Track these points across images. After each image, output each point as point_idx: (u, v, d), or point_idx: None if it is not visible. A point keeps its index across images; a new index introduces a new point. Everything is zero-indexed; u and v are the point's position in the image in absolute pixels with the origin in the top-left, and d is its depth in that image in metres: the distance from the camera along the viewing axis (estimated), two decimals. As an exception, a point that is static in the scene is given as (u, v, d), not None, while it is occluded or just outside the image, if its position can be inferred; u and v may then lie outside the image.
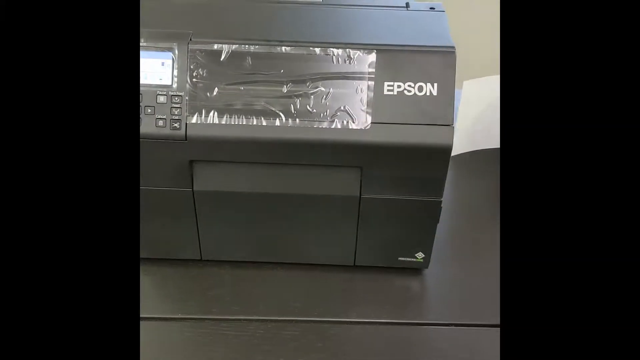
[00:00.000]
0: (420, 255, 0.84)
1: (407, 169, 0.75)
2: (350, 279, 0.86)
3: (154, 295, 0.83)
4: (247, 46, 0.72)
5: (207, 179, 0.77)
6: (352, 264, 0.86)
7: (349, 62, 0.72)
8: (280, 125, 0.72)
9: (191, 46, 0.72)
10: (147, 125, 0.72)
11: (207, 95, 0.72)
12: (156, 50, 0.72)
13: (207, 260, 0.87)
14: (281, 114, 0.72)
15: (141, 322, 0.79)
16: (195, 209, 0.80)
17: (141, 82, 0.72)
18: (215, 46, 0.72)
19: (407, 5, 0.84)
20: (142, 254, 0.86)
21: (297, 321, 0.80)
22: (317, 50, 0.72)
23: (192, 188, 0.77)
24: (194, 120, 0.72)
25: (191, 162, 0.75)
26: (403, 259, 0.85)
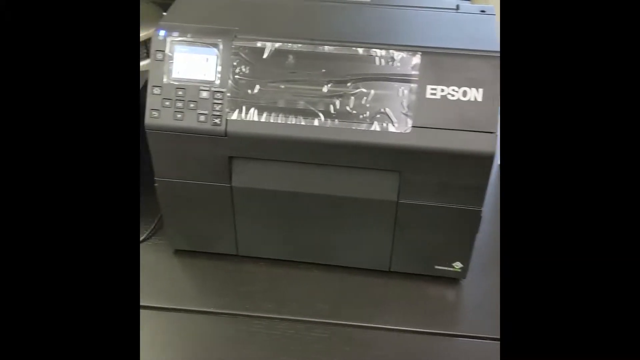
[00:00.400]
0: (457, 264, 0.82)
1: (447, 176, 0.73)
2: (384, 284, 0.85)
3: (188, 287, 0.85)
4: (290, 44, 0.72)
5: (245, 176, 0.77)
6: (387, 269, 0.85)
7: (392, 64, 0.71)
8: (319, 125, 0.72)
9: (235, 43, 0.73)
10: (189, 120, 0.73)
11: (248, 93, 0.73)
12: (201, 46, 0.73)
13: (244, 256, 0.87)
14: (320, 113, 0.72)
15: (174, 314, 0.81)
16: (232, 205, 0.80)
17: (185, 77, 0.73)
18: (259, 43, 0.72)
19: (457, 7, 0.82)
20: (180, 246, 0.88)
21: (326, 323, 0.80)
22: (360, 50, 0.71)
23: (230, 184, 0.78)
24: (234, 116, 0.73)
25: (230, 158, 0.76)
26: (440, 267, 0.82)
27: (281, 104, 0.73)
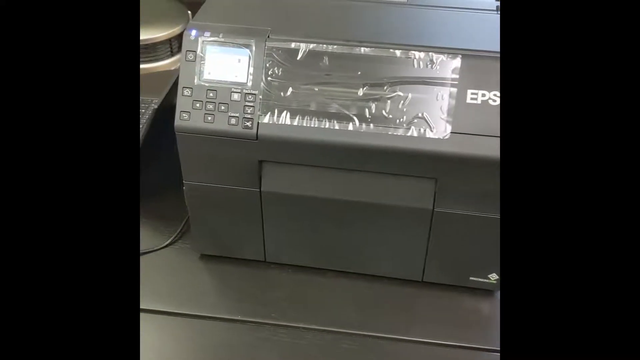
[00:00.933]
0: (494, 276, 0.79)
1: (485, 184, 0.70)
2: (416, 295, 0.82)
3: (213, 293, 0.83)
4: (325, 46, 0.70)
5: (276, 180, 0.75)
6: (420, 280, 0.82)
7: (431, 67, 0.68)
8: (353, 129, 0.69)
9: (268, 43, 0.71)
10: (220, 122, 0.71)
11: (280, 95, 0.71)
12: (233, 47, 0.71)
13: (270, 262, 0.85)
14: (355, 118, 0.69)
15: (197, 321, 0.79)
16: (261, 210, 0.78)
17: (217, 78, 0.71)
18: (293, 44, 0.70)
19: (498, 8, 0.79)
20: (206, 251, 0.86)
21: (355, 335, 0.77)
22: (398, 52, 0.69)
23: (260, 188, 0.76)
24: (266, 120, 0.71)
25: (260, 162, 0.74)
26: (475, 279, 0.79)
27: (314, 107, 0.70)
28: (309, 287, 0.83)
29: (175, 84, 0.73)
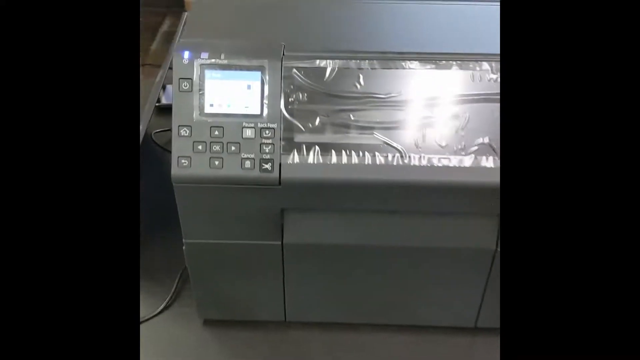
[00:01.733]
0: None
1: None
2: (471, 343, 0.70)
3: (229, 368, 0.68)
4: (357, 61, 0.56)
5: (302, 230, 0.61)
6: (473, 326, 0.69)
7: (495, 81, 0.55)
8: (399, 164, 0.56)
9: (286, 63, 0.56)
10: (231, 167, 0.56)
11: (307, 127, 0.56)
12: (240, 70, 0.55)
13: (292, 322, 0.71)
14: (401, 148, 0.56)
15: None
16: (282, 265, 0.64)
17: (222, 111, 0.56)
18: (317, 61, 0.56)
19: None
20: (211, 315, 0.71)
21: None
22: (453, 65, 0.55)
23: (282, 241, 0.61)
24: (290, 159, 0.56)
25: (283, 210, 0.59)
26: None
27: (350, 139, 0.56)
28: (342, 348, 0.69)
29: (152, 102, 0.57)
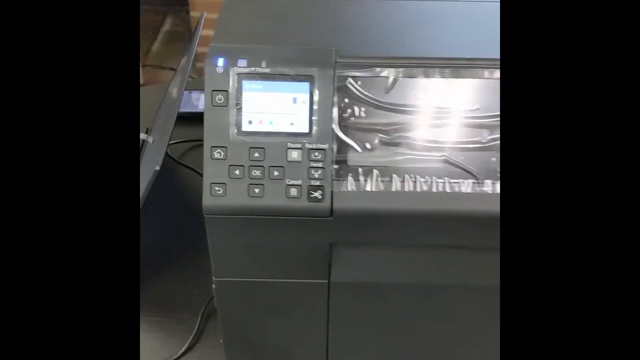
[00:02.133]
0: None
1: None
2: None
3: None
4: (425, 69, 0.47)
5: (353, 267, 0.52)
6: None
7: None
8: (474, 191, 0.47)
9: (339, 71, 0.47)
10: (273, 195, 0.47)
11: (364, 147, 0.47)
12: (284, 80, 0.47)
13: (334, 367, 0.62)
14: (477, 173, 0.47)
15: None
16: (328, 305, 0.55)
17: (263, 129, 0.47)
18: (377, 69, 0.47)
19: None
20: None
21: None
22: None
23: (329, 279, 0.53)
24: (343, 186, 0.47)
25: (332, 245, 0.51)
26: None
27: (416, 161, 0.47)
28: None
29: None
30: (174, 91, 0.72)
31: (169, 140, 0.63)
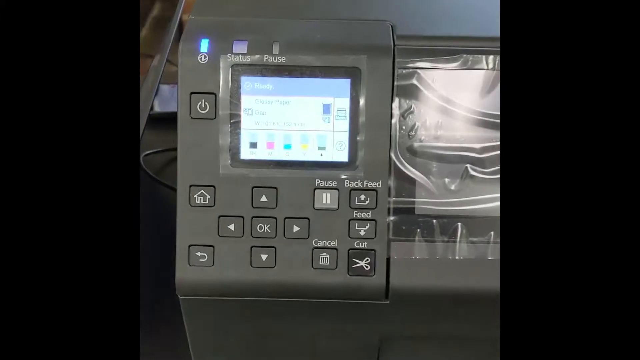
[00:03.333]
0: None
1: None
2: None
3: None
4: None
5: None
6: None
7: None
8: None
9: (402, 60, 0.29)
10: (291, 266, 0.29)
11: (444, 187, 0.29)
12: (308, 76, 0.29)
13: None
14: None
15: None
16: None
17: (274, 157, 0.29)
18: (470, 58, 0.29)
19: None
20: None
21: None
22: None
23: (373, 385, 0.35)
24: (408, 251, 0.29)
25: (382, 340, 0.32)
26: None
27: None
28: None
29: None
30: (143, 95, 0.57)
31: (144, 151, 0.48)
